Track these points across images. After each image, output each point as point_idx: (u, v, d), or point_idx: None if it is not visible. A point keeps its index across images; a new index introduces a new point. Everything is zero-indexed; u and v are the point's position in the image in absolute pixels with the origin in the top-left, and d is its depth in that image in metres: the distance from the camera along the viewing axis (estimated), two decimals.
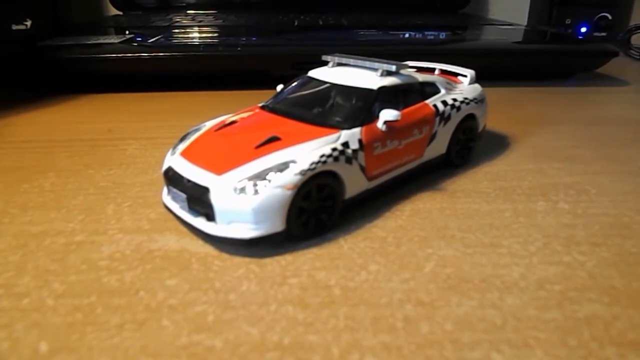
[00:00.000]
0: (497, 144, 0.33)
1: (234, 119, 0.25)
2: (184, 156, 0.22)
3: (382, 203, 0.24)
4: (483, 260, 0.20)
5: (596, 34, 0.74)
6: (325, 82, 0.25)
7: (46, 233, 0.22)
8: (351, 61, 0.26)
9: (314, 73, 0.27)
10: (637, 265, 0.20)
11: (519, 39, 0.58)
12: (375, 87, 0.24)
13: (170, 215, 0.23)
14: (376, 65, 0.25)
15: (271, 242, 0.20)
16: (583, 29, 0.74)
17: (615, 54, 0.51)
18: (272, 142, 0.21)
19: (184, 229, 0.22)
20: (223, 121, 0.25)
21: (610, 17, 0.73)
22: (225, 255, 0.20)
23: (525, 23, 0.82)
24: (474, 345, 0.15)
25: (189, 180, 0.21)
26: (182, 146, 0.23)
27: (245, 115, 0.25)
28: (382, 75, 0.25)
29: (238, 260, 0.20)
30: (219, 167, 0.20)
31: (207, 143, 0.23)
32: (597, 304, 0.17)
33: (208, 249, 0.21)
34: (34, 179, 0.28)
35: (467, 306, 0.17)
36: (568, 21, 0.74)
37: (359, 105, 0.23)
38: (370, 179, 0.23)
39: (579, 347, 0.15)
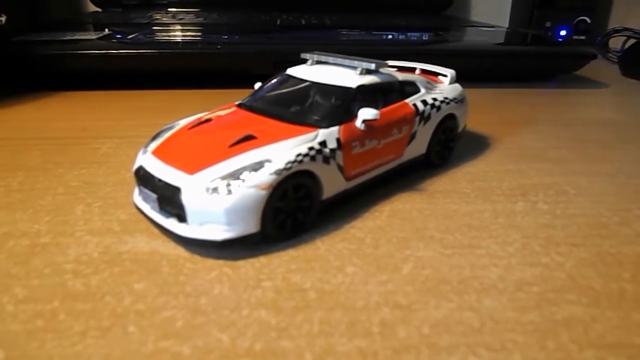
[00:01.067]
0: (477, 145, 0.33)
1: (209, 117, 0.24)
2: (156, 155, 0.21)
3: (360, 203, 0.24)
4: (461, 261, 0.20)
5: (575, 37, 0.75)
6: (304, 80, 0.25)
7: (10, 234, 0.21)
8: (330, 59, 0.26)
9: (292, 71, 0.26)
10: (615, 266, 0.20)
11: (500, 40, 0.59)
12: (354, 85, 0.23)
13: (142, 216, 0.22)
14: (355, 63, 0.25)
15: (245, 243, 0.19)
16: (562, 32, 0.75)
17: (594, 57, 0.51)
18: (247, 140, 0.21)
19: (155, 231, 0.21)
20: (198, 119, 0.24)
21: (589, 21, 0.74)
22: (197, 258, 0.19)
23: (506, 25, 0.82)
24: (451, 349, 0.15)
25: (159, 180, 0.20)
26: (154, 145, 0.22)
27: (221, 113, 0.24)
28: (361, 73, 0.24)
29: (211, 262, 0.19)
30: (191, 166, 0.20)
31: (180, 141, 0.22)
32: (576, 305, 0.17)
33: (180, 251, 0.20)
34: (1, 178, 0.27)
35: (445, 309, 0.17)
36: (548, 24, 0.74)
37: (337, 104, 0.23)
38: (348, 179, 0.23)
39: (557, 350, 0.15)
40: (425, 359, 0.15)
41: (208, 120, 0.23)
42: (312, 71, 0.25)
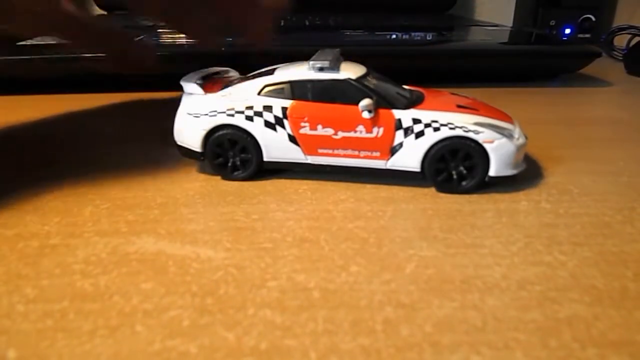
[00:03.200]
0: None
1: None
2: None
3: (364, 204, 0.24)
4: (465, 260, 0.20)
5: (580, 35, 0.75)
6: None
7: (20, 236, 0.21)
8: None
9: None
10: (617, 265, 0.20)
11: (505, 39, 0.59)
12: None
13: (149, 217, 0.22)
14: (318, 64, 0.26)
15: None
16: (567, 31, 0.75)
17: (599, 55, 0.51)
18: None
19: (162, 231, 0.22)
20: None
21: (593, 19, 0.74)
22: (203, 258, 0.20)
23: (511, 24, 0.82)
24: (454, 347, 0.15)
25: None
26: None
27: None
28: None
29: (216, 263, 0.19)
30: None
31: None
32: (578, 304, 0.17)
33: (186, 252, 0.20)
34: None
35: (448, 308, 0.17)
36: (552, 22, 0.74)
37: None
38: None
39: (559, 348, 0.15)
40: (428, 357, 0.15)
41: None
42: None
